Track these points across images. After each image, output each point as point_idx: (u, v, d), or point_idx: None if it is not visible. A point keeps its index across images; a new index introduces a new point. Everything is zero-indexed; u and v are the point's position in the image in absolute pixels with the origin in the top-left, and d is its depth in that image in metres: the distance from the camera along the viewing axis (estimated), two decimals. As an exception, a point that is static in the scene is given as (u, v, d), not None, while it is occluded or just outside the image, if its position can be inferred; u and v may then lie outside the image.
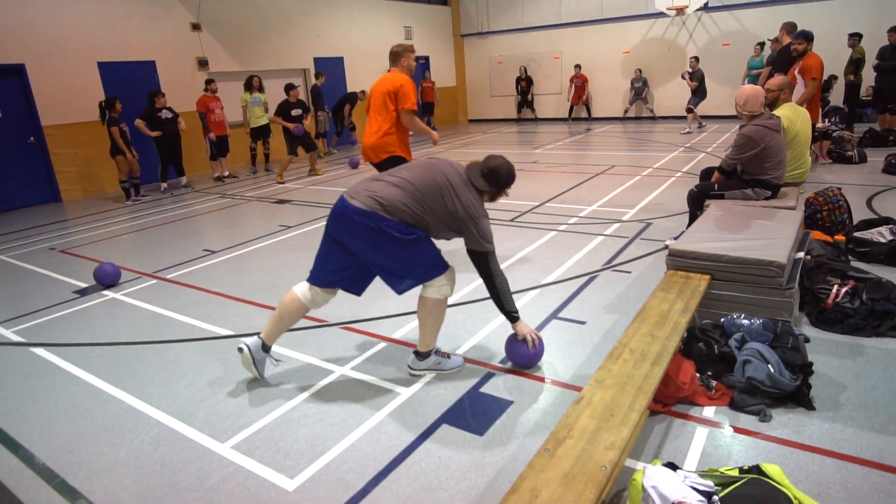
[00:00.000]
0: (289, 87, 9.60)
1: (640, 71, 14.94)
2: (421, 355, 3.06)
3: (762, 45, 11.66)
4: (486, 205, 2.99)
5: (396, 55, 4.73)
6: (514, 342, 3.06)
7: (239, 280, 4.85)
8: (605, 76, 15.94)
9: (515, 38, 17.04)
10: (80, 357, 3.61)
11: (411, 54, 4.75)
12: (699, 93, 12.50)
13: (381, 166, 4.62)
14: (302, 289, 3.05)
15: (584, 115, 16.37)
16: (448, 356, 3.13)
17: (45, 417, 2.94)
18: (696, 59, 12.70)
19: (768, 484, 1.87)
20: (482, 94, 18.28)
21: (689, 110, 12.49)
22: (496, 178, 2.87)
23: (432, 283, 2.90)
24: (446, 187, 2.76)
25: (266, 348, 3.08)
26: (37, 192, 9.14)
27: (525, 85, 16.62)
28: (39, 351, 3.74)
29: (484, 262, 2.90)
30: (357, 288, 3.08)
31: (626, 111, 15.55)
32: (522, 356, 3.05)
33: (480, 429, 2.59)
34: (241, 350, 3.04)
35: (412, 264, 2.82)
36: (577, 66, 15.63)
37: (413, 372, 3.09)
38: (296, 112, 9.58)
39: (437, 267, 2.90)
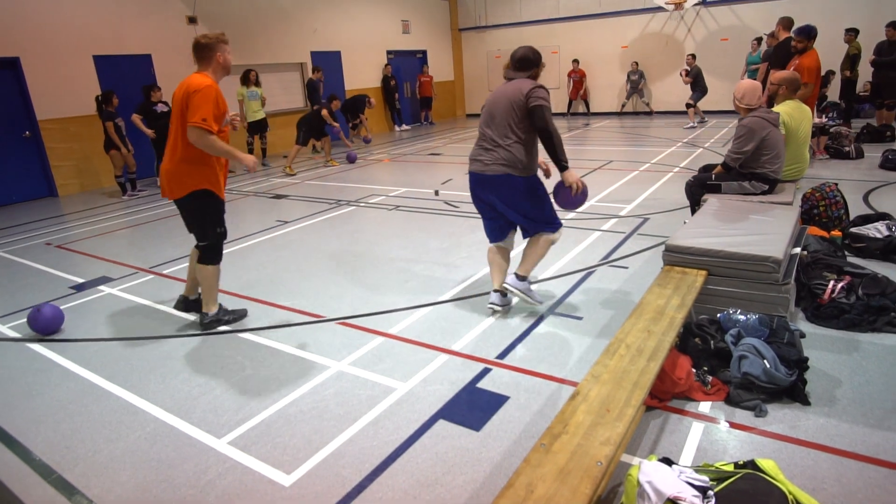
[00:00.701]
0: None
1: (636, 64, 14.92)
2: (520, 277, 3.67)
3: (759, 40, 11.63)
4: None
5: (203, 50, 3.41)
6: (561, 188, 3.56)
7: (236, 275, 4.84)
8: (604, 71, 15.91)
9: (513, 32, 16.98)
10: (77, 352, 3.61)
11: (225, 46, 3.47)
12: (698, 88, 12.48)
13: (183, 206, 3.59)
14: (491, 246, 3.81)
15: (581, 109, 16.35)
16: (532, 290, 3.74)
17: (41, 413, 2.94)
18: (693, 56, 12.67)
19: (763, 479, 1.88)
20: (480, 88, 18.24)
21: (689, 105, 12.48)
22: (527, 61, 3.58)
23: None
24: (504, 100, 3.47)
25: (521, 278, 3.67)
26: (32, 186, 9.11)
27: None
28: (36, 346, 3.73)
29: (541, 115, 3.34)
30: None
31: (623, 106, 15.53)
32: (565, 199, 3.60)
33: (477, 424, 2.60)
34: (505, 294, 3.72)
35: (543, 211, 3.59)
36: (576, 61, 15.58)
37: (509, 288, 3.66)
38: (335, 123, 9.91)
39: (558, 218, 3.68)
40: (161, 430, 2.72)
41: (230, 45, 3.53)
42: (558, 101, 16.66)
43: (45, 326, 3.84)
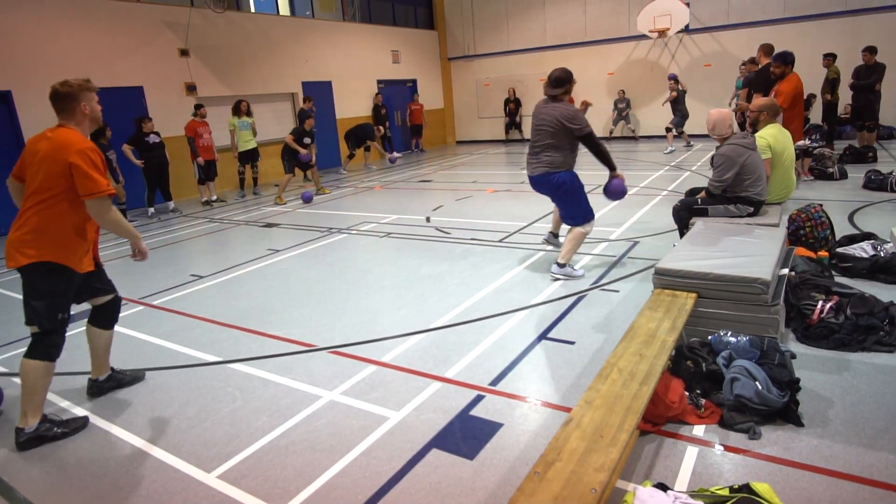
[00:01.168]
0: (304, 117, 9.74)
1: (623, 92, 15.20)
2: (560, 265, 4.72)
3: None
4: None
5: (63, 100, 2.95)
6: (611, 181, 4.78)
7: (227, 305, 4.82)
8: (590, 97, 16.10)
9: (501, 60, 17.30)
10: (62, 385, 3.55)
11: (90, 95, 3.07)
12: (678, 113, 12.71)
13: (25, 276, 2.91)
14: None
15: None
16: (573, 268, 4.78)
17: (25, 451, 2.88)
18: (675, 80, 12.89)
19: (759, 502, 1.87)
20: (470, 115, 18.49)
21: (669, 129, 12.69)
22: (560, 80, 4.49)
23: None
24: (549, 117, 4.48)
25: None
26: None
27: (514, 107, 16.81)
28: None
29: (589, 139, 4.51)
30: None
31: (610, 132, 15.76)
32: (611, 188, 4.81)
33: (470, 452, 2.57)
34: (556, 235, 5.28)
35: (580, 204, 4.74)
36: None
37: (555, 276, 4.75)
38: (307, 140, 9.68)
39: (590, 212, 4.79)
40: (150, 464, 2.67)
41: (96, 95, 3.09)
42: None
43: None
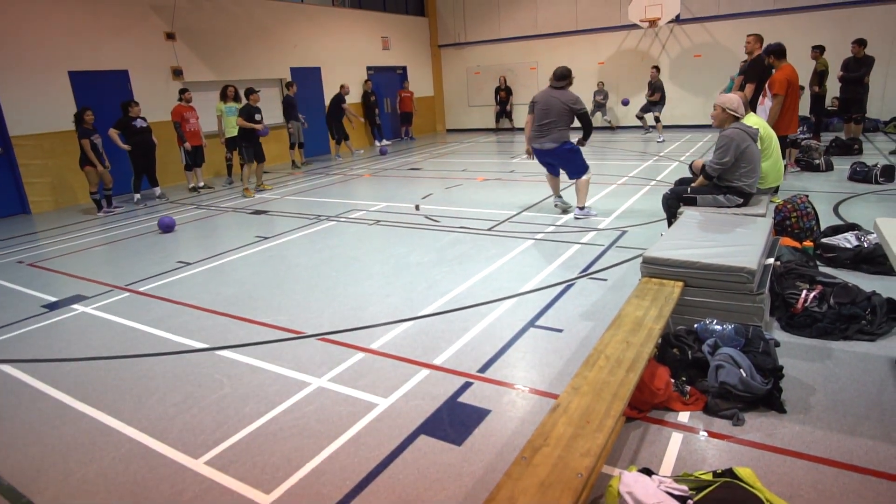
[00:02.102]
0: (249, 91, 9.28)
1: (602, 84, 15.26)
2: (581, 208, 6.33)
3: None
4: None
5: None
6: (579, 144, 6.29)
7: (214, 292, 4.79)
8: (580, 86, 16.13)
9: (492, 48, 17.21)
10: (49, 373, 3.52)
11: None
12: (662, 101, 12.77)
13: None
14: None
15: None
16: (590, 210, 6.45)
17: (10, 436, 2.86)
18: (657, 69, 12.95)
19: (741, 487, 1.90)
20: (460, 103, 18.40)
21: (658, 120, 12.75)
22: (564, 76, 6.15)
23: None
24: (559, 102, 6.05)
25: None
26: (5, 204, 8.92)
27: (504, 95, 16.71)
28: (6, 367, 3.63)
29: (585, 116, 6.09)
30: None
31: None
32: (577, 148, 6.32)
33: (458, 438, 2.59)
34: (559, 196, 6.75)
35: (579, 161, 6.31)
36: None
37: (577, 217, 6.35)
38: (259, 116, 9.25)
39: (587, 165, 6.37)
40: (136, 450, 2.67)
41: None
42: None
43: None
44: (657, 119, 12.75)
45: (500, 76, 16.70)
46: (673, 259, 3.34)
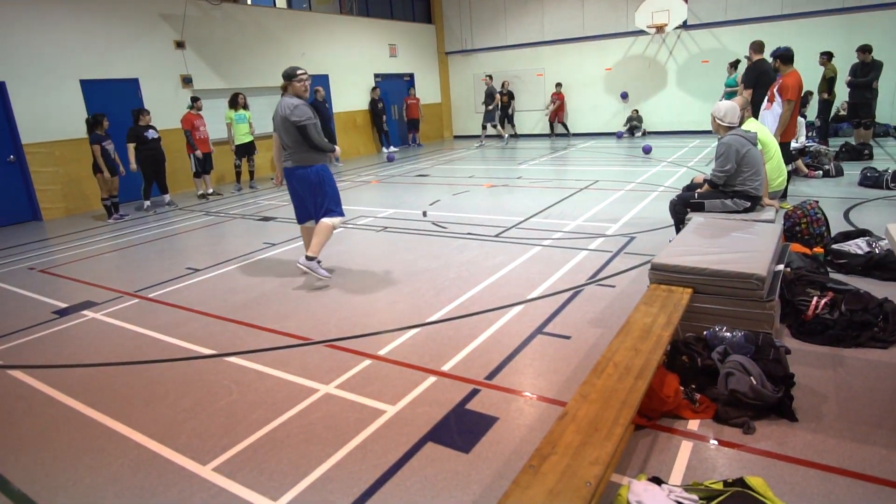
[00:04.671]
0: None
1: (559, 85, 15.88)
2: (310, 258, 4.81)
3: (734, 64, 11.95)
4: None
5: None
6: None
7: (223, 298, 4.81)
8: (588, 93, 16.17)
9: (499, 55, 17.25)
10: (59, 379, 3.54)
11: None
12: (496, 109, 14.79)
13: None
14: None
15: (557, 131, 16.54)
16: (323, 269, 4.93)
17: (21, 441, 2.87)
18: (489, 76, 14.64)
19: (752, 497, 1.88)
20: (467, 110, 18.44)
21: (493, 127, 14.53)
22: (288, 75, 4.75)
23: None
24: (279, 117, 4.69)
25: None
26: (16, 211, 9.01)
27: (507, 100, 16.42)
28: (17, 373, 3.66)
29: (305, 132, 4.60)
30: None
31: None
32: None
33: (466, 446, 2.58)
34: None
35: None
36: (559, 84, 15.97)
37: (301, 267, 4.83)
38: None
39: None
40: (144, 456, 2.67)
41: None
42: (542, 122, 16.84)
43: None
44: (493, 127, 14.16)
45: (503, 81, 16.57)
46: (681, 265, 3.32)
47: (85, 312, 4.70)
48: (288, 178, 4.85)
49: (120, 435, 2.87)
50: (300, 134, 4.58)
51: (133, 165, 8.72)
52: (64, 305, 4.90)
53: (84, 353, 3.92)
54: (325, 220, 4.81)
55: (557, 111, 16.00)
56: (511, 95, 16.47)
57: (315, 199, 4.81)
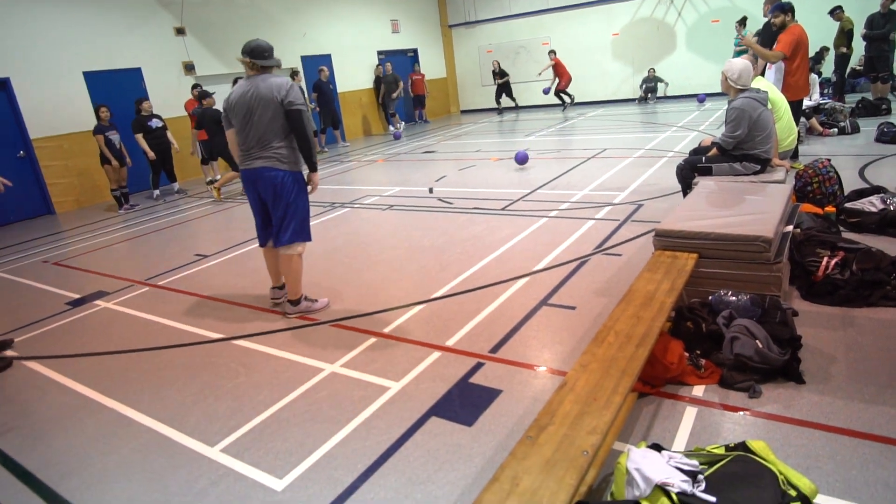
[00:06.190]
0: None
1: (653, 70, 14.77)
2: (294, 302, 3.98)
3: (742, 21, 11.58)
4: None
5: None
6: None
7: (231, 283, 4.84)
8: (595, 60, 15.83)
9: (503, 25, 16.92)
10: (72, 368, 3.61)
11: None
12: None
13: None
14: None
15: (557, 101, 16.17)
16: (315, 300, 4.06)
17: (37, 429, 2.94)
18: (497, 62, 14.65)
19: (753, 460, 1.86)
20: (473, 84, 18.19)
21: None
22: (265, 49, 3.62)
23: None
24: (257, 98, 3.58)
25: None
26: (30, 205, 9.14)
27: (499, 78, 15.62)
28: (32, 364, 3.74)
29: (301, 119, 3.63)
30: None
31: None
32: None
33: (469, 419, 2.58)
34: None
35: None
36: (552, 52, 14.66)
37: (291, 316, 3.99)
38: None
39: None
40: (154, 440, 2.72)
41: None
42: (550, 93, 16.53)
43: None
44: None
45: (493, 61, 15.85)
46: (686, 231, 3.26)
47: (97, 302, 4.77)
48: (251, 182, 3.73)
49: (131, 420, 2.92)
50: (292, 123, 3.58)
51: (150, 154, 8.73)
52: (77, 296, 4.97)
53: (96, 341, 3.98)
54: (287, 252, 3.80)
55: (560, 79, 14.69)
56: (503, 74, 15.61)
57: (278, 213, 3.72)
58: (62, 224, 8.40)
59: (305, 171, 3.84)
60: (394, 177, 8.88)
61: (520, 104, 17.02)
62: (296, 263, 3.84)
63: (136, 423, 2.89)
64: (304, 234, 3.84)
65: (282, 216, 3.73)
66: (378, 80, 14.83)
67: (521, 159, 8.14)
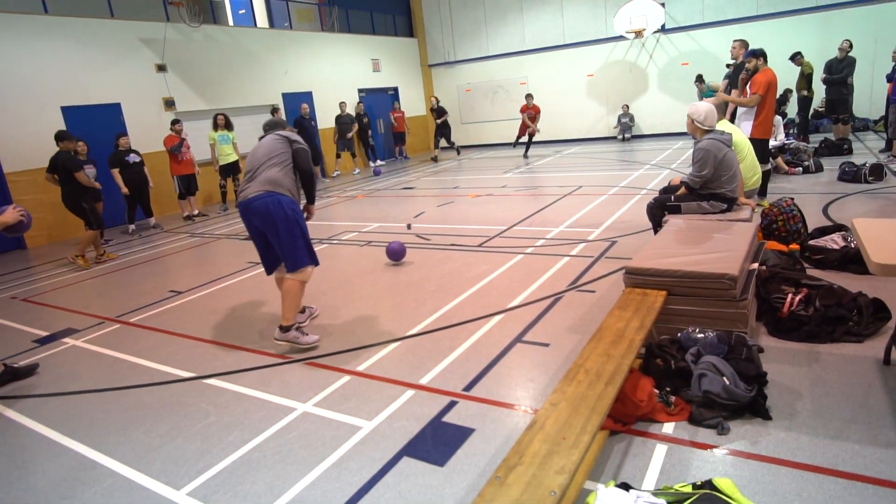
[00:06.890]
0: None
1: (626, 106, 15.25)
2: (285, 328, 3.90)
3: (699, 79, 12.24)
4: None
5: None
6: None
7: (204, 320, 4.78)
8: (571, 99, 16.29)
9: (482, 65, 17.38)
10: (35, 409, 3.51)
11: None
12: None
13: None
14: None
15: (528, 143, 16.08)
16: (306, 334, 3.97)
17: (-6, 475, 2.84)
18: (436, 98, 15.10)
19: (720, 498, 1.88)
20: (452, 121, 18.44)
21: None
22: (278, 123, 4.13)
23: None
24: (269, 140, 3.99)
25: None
26: (1, 240, 8.95)
27: (436, 116, 15.37)
28: (-7, 405, 3.62)
29: (304, 154, 3.98)
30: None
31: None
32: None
33: (441, 459, 2.56)
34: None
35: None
36: (529, 96, 14.31)
37: (280, 343, 3.94)
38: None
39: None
40: (118, 484, 2.64)
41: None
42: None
43: None
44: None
45: (432, 97, 15.74)
46: (654, 268, 3.33)
47: (65, 340, 4.66)
48: (246, 213, 3.81)
49: (94, 462, 2.84)
50: (296, 158, 3.87)
51: (124, 189, 8.70)
52: (45, 334, 4.86)
53: (63, 381, 3.88)
54: (294, 277, 3.83)
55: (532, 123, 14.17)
56: (441, 111, 15.35)
57: (281, 240, 3.77)
58: (33, 259, 8.24)
59: (303, 201, 4.12)
60: (373, 213, 8.94)
61: (493, 142, 17.35)
62: (298, 291, 3.88)
63: (100, 466, 2.81)
64: (312, 258, 3.94)
65: (287, 244, 3.80)
66: (359, 117, 14.90)
67: (394, 253, 5.85)
